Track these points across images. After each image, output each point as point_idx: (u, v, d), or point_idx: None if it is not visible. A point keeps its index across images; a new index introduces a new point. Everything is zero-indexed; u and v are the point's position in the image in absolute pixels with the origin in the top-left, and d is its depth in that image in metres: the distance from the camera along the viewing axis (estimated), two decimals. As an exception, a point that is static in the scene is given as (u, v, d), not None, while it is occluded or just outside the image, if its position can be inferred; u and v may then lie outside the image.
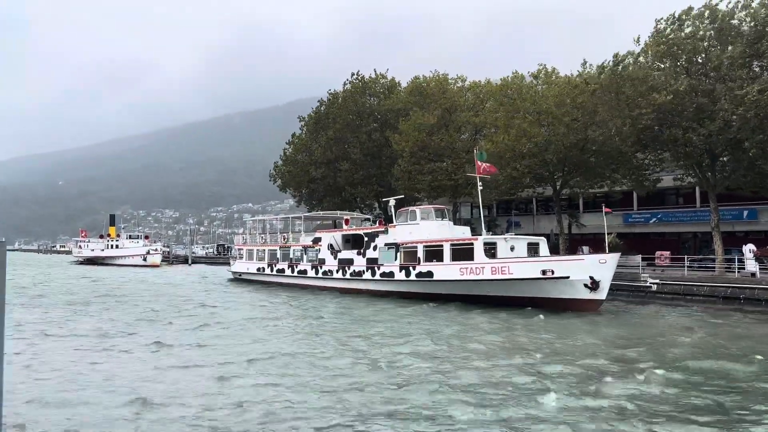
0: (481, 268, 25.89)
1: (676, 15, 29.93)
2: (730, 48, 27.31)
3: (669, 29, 29.72)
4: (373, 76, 55.85)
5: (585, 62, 36.14)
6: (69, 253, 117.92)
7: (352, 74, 55.84)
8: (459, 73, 50.28)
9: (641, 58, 30.83)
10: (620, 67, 31.10)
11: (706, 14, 28.56)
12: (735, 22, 27.78)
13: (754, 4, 27.66)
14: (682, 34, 29.06)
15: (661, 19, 30.58)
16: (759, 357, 14.04)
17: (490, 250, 26.94)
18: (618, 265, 24.66)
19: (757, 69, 27.44)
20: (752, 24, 27.08)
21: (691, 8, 29.42)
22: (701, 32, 28.44)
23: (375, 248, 32.17)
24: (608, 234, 26.33)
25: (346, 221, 38.51)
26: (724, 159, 30.64)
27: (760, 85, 25.63)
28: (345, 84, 55.93)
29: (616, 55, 31.81)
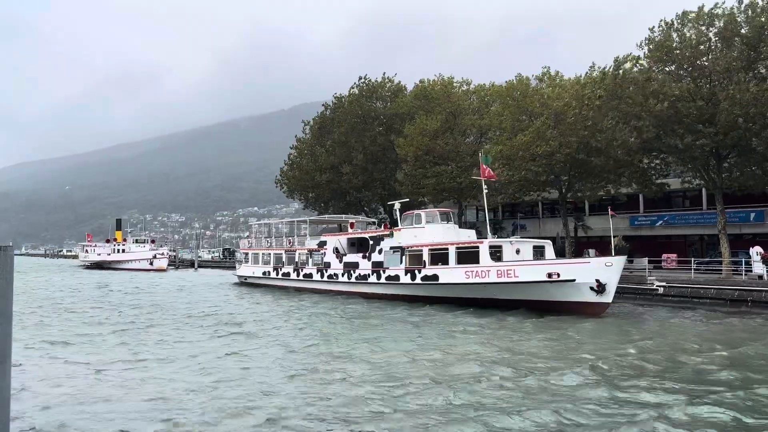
0: (486, 272, 25.82)
1: (670, 21, 29.84)
2: (734, 54, 27.22)
3: (665, 35, 29.61)
4: (380, 79, 55.81)
5: (593, 65, 36.09)
6: (75, 257, 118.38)
7: (360, 78, 55.87)
8: (464, 77, 50.33)
9: (643, 63, 30.75)
10: (621, 71, 31.05)
11: (705, 17, 28.51)
12: (738, 26, 27.70)
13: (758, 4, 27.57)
14: (682, 36, 28.97)
15: (654, 27, 30.50)
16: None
17: (496, 253, 26.87)
18: (624, 268, 24.54)
19: (763, 70, 27.32)
20: (752, 26, 26.96)
21: (686, 12, 29.33)
22: (702, 36, 28.36)
23: (380, 252, 32.16)
24: (614, 237, 26.22)
25: (352, 225, 38.50)
26: (731, 161, 30.51)
27: (758, 82, 25.61)
28: (352, 88, 55.97)
29: (616, 59, 31.77)
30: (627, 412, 9.88)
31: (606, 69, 32.94)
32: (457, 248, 27.91)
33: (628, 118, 30.11)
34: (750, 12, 27.43)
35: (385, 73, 56.77)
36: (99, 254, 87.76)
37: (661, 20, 30.19)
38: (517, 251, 27.58)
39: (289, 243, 42.29)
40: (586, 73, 36.32)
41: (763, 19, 26.51)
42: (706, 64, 28.23)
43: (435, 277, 28.34)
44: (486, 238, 28.86)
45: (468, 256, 27.20)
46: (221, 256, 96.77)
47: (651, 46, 29.96)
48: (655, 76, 29.68)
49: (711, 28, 28.32)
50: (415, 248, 30.07)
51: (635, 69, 30.76)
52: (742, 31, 27.33)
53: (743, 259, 29.39)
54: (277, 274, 41.13)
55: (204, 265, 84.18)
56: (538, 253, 28.30)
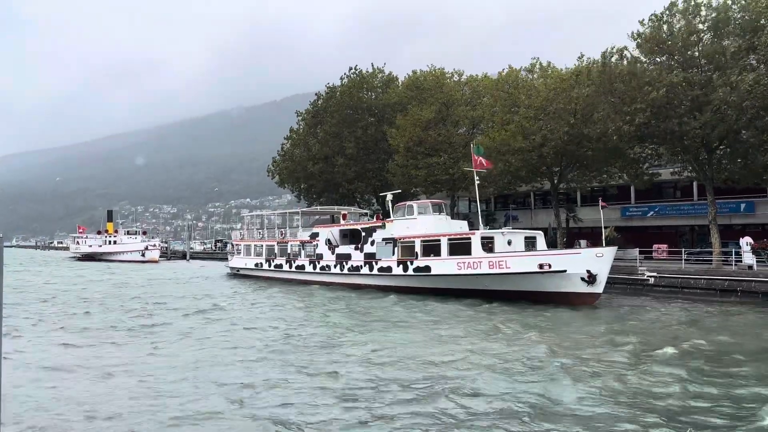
0: (478, 263, 25.88)
1: (660, 13, 29.87)
2: (726, 42, 27.26)
3: (655, 27, 29.63)
4: (371, 70, 55.66)
5: (582, 55, 36.15)
6: (67, 249, 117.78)
7: (350, 68, 55.69)
8: (456, 68, 50.26)
9: (635, 53, 30.75)
10: (612, 60, 31.06)
11: (692, 8, 28.53)
12: (732, 13, 27.71)
13: None
14: (673, 28, 28.99)
15: (644, 20, 30.51)
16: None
17: (488, 245, 26.94)
18: (615, 259, 24.66)
19: (753, 62, 27.37)
20: (747, 17, 26.98)
21: (673, 4, 29.32)
22: (694, 25, 28.38)
23: (372, 243, 32.15)
24: (606, 227, 26.31)
25: (344, 216, 38.46)
26: (721, 152, 30.64)
27: (756, 74, 25.65)
28: (342, 78, 55.78)
29: (604, 53, 31.81)
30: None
31: (593, 62, 32.96)
32: (449, 239, 27.95)
33: (617, 109, 30.12)
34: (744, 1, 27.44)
35: (373, 63, 56.68)
36: (90, 246, 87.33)
37: (651, 14, 30.20)
38: (509, 242, 27.65)
39: (282, 234, 42.20)
40: (575, 64, 36.34)
41: (763, 4, 26.49)
42: (697, 54, 28.26)
43: (427, 268, 28.38)
44: (478, 229, 28.93)
45: (460, 247, 27.25)
46: (213, 248, 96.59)
47: (641, 39, 29.97)
48: (645, 67, 29.68)
49: (698, 18, 28.34)
50: (407, 239, 30.09)
51: (624, 61, 30.76)
52: (738, 15, 27.31)
53: (733, 250, 29.56)
54: (270, 265, 41.06)
55: (196, 256, 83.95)
56: (530, 244, 28.39)
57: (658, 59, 29.74)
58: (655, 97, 27.79)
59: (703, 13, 28.20)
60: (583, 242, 35.87)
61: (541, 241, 28.68)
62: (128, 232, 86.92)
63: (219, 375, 12.14)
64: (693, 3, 28.63)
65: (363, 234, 33.05)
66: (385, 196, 35.12)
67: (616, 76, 30.17)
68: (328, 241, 35.67)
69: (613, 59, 31.14)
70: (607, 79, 30.75)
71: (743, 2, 27.41)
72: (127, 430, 8.94)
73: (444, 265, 27.58)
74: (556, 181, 38.44)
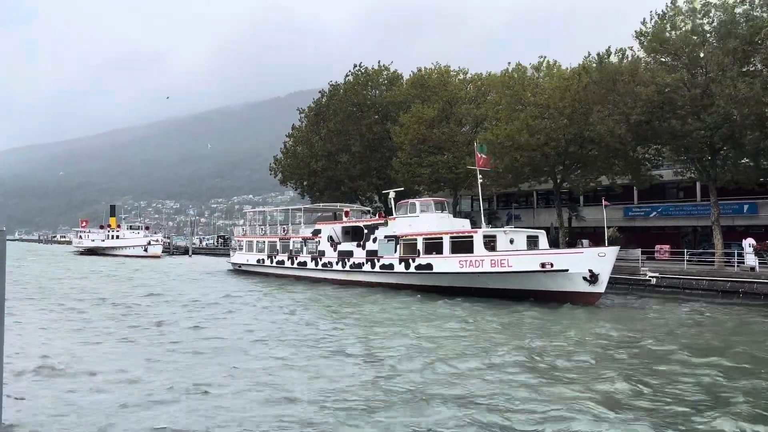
0: (480, 261, 25.89)
1: (662, 12, 29.79)
2: (730, 45, 27.19)
3: (659, 27, 29.58)
4: (376, 67, 55.65)
5: (588, 54, 36.05)
6: (69, 243, 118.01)
7: (354, 66, 55.71)
8: (461, 66, 50.25)
9: (639, 53, 30.72)
10: (610, 59, 31.03)
11: (701, 9, 28.47)
12: (738, 12, 27.63)
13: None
14: (678, 31, 28.93)
15: (645, 19, 30.46)
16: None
17: (490, 243, 26.93)
18: (618, 259, 24.65)
19: (758, 65, 27.26)
20: (749, 21, 26.91)
21: (679, 7, 29.26)
22: (697, 27, 28.31)
23: (375, 240, 32.18)
24: (608, 227, 26.29)
25: (346, 213, 38.51)
26: (725, 153, 30.58)
27: (751, 82, 25.62)
28: (347, 76, 55.77)
29: (599, 54, 31.79)
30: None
31: (591, 61, 32.93)
32: (452, 237, 27.96)
33: (617, 107, 30.09)
34: (747, 5, 27.37)
35: (380, 61, 56.64)
36: (93, 240, 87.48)
37: (651, 11, 30.16)
38: (511, 241, 27.65)
39: (284, 231, 42.25)
40: (580, 63, 36.29)
41: (765, 15, 26.42)
42: (702, 55, 28.18)
43: (429, 266, 28.40)
44: (480, 227, 28.93)
45: (462, 245, 27.26)
46: (215, 243, 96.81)
47: (643, 37, 29.93)
48: (648, 66, 29.62)
49: (706, 19, 28.26)
50: (409, 237, 30.11)
51: (624, 61, 30.73)
52: (739, 28, 27.25)
53: (736, 251, 29.51)
54: (272, 261, 41.12)
55: (198, 252, 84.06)
56: (532, 243, 28.39)
57: (662, 59, 29.67)
58: (649, 96, 27.74)
59: (711, 13, 28.09)
60: (585, 242, 35.83)
61: (543, 240, 28.67)
62: (131, 227, 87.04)
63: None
64: (702, 2, 28.54)
65: (365, 231, 33.08)
66: (388, 193, 35.17)
67: (616, 74, 30.11)
68: (330, 238, 35.70)
69: (614, 59, 31.10)
70: (607, 77, 30.69)
71: (745, 6, 27.33)
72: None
73: (446, 263, 27.59)
74: (558, 180, 38.40)
